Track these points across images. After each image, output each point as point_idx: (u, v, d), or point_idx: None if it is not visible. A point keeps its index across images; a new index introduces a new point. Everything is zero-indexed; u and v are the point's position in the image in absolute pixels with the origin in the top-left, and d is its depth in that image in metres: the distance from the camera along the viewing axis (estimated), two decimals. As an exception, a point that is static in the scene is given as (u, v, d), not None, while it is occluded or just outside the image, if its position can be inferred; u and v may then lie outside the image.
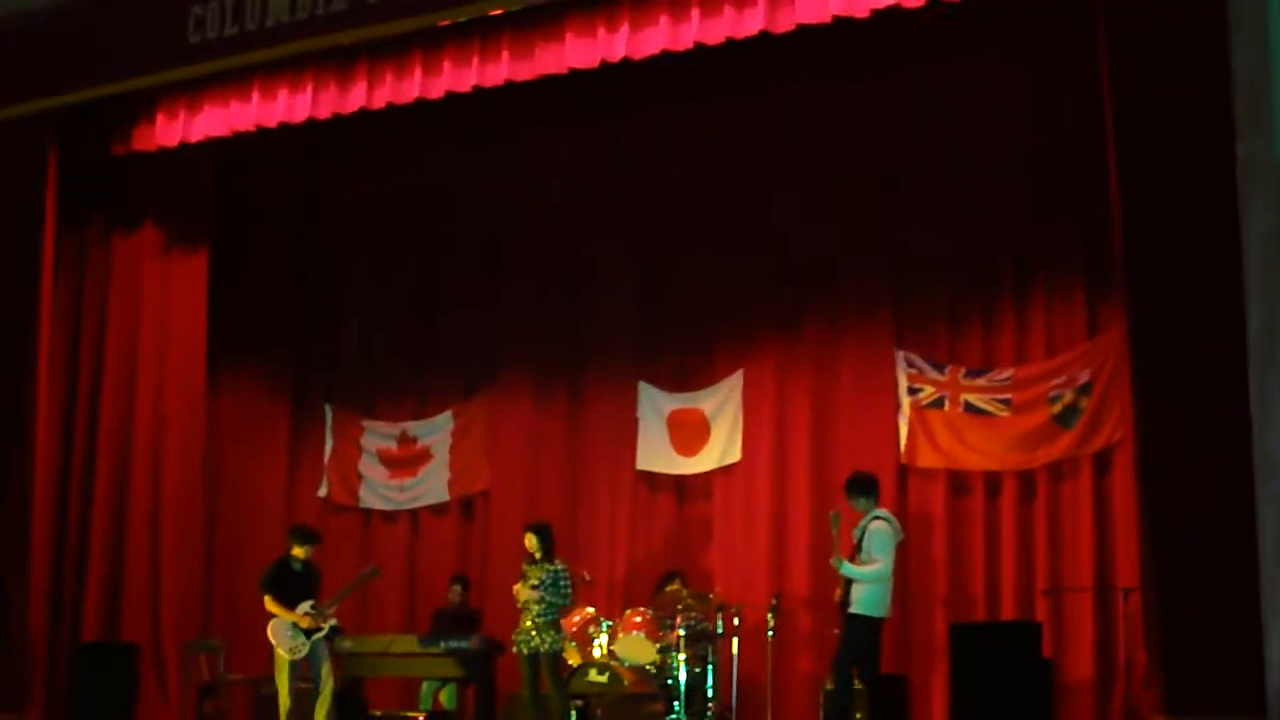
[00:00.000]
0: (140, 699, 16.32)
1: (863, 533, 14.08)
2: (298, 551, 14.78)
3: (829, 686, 14.11)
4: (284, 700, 14.74)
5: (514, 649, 14.45)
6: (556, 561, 14.39)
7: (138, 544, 17.40)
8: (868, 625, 13.74)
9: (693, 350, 17.29)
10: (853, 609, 13.77)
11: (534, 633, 14.24)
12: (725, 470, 16.96)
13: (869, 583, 13.82)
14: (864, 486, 14.29)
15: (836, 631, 13.89)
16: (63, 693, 16.31)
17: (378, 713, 15.97)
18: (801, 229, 16.81)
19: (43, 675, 16.29)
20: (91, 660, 16.15)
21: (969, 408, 15.88)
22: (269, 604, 14.75)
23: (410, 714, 15.93)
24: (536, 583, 14.24)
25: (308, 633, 14.76)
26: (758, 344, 16.97)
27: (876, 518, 14.14)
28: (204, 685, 16.93)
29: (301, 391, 19.41)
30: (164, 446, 17.66)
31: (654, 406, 17.24)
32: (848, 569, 13.87)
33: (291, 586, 14.89)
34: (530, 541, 14.47)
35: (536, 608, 14.23)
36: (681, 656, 15.03)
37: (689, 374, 17.24)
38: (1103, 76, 12.87)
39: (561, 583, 14.24)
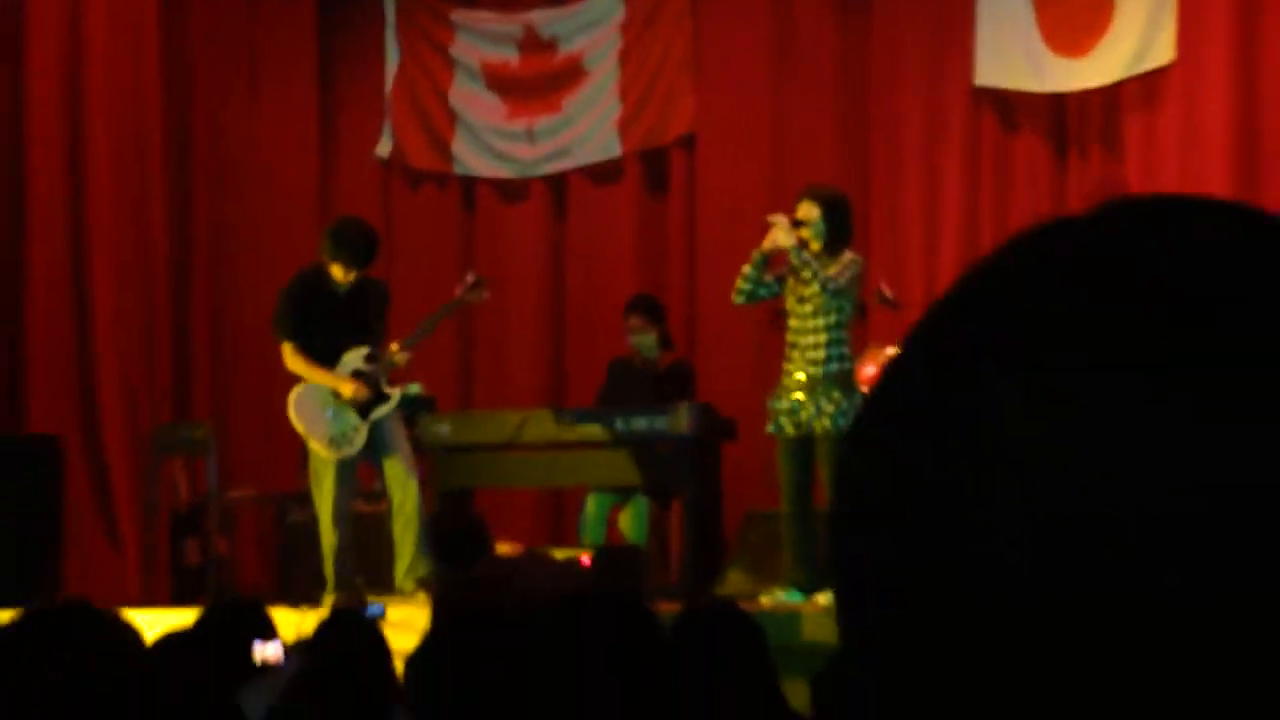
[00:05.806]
0: (66, 537, 13.23)
1: None
2: (338, 270, 11.84)
3: None
4: (329, 532, 11.96)
5: (769, 427, 11.95)
6: (845, 253, 11.99)
7: (43, 250, 14.07)
8: None
9: None
10: None
11: (804, 395, 11.57)
12: (1145, 81, 13.73)
13: None
14: None
15: None
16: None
17: (506, 549, 12.26)
18: None
19: None
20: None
21: None
22: (289, 357, 11.84)
23: (564, 552, 12.43)
24: (816, 288, 11.76)
25: (363, 407, 12.05)
26: None
27: None
28: (181, 510, 14.06)
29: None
30: (83, 69, 14.14)
31: (1004, -35, 14.15)
32: None
33: (328, 322, 11.97)
34: (808, 211, 11.91)
35: (811, 338, 11.68)
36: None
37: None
38: None
39: (852, 290, 11.90)
